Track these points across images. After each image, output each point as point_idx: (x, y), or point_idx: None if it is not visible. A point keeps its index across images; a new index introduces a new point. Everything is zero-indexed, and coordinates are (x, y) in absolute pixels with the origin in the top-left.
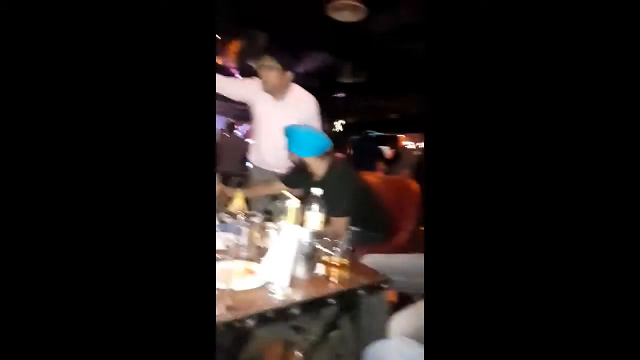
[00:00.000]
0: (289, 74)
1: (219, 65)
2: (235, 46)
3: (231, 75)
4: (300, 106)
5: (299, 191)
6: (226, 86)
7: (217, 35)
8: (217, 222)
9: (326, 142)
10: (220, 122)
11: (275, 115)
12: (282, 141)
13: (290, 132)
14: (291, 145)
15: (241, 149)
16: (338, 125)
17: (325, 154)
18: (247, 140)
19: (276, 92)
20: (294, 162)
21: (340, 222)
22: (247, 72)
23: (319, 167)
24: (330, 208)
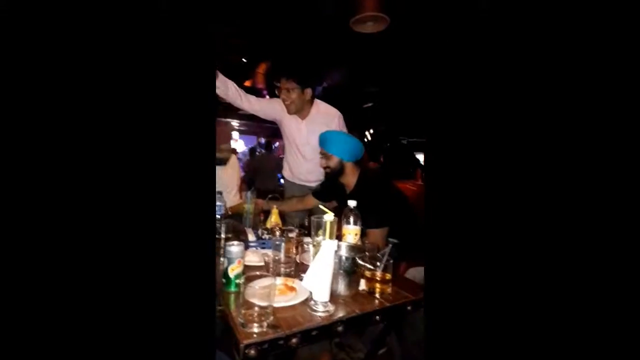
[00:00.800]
0: (309, 91)
1: (247, 86)
2: (262, 68)
3: (261, 95)
4: (325, 121)
5: (332, 204)
6: (255, 105)
7: (243, 59)
8: (255, 239)
9: (361, 147)
10: (255, 141)
11: (302, 132)
12: (310, 156)
13: (327, 135)
14: (330, 147)
15: (277, 165)
16: (368, 135)
17: (358, 162)
18: (280, 156)
19: (300, 111)
20: (327, 168)
21: (377, 234)
22: (275, 92)
23: (353, 175)
24: (365, 219)
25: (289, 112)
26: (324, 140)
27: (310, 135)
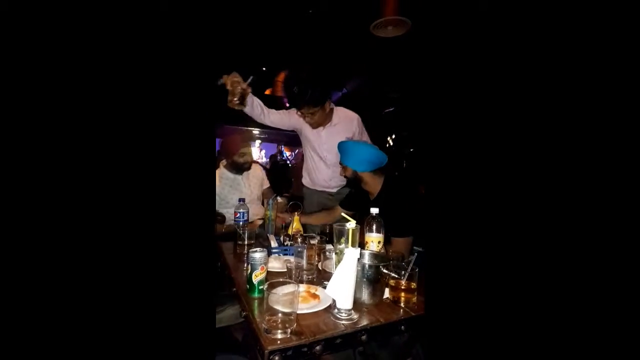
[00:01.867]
0: (328, 103)
1: (267, 95)
2: (282, 77)
3: (282, 104)
4: (344, 125)
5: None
6: (275, 118)
7: (263, 68)
8: (277, 245)
9: (381, 156)
10: (275, 149)
11: (323, 139)
12: (331, 162)
13: (344, 147)
14: (345, 159)
15: None
16: (390, 141)
17: (381, 170)
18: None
19: (322, 123)
20: (347, 177)
21: (400, 243)
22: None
23: (375, 183)
24: (390, 228)
25: (314, 128)
26: (339, 150)
27: (331, 142)
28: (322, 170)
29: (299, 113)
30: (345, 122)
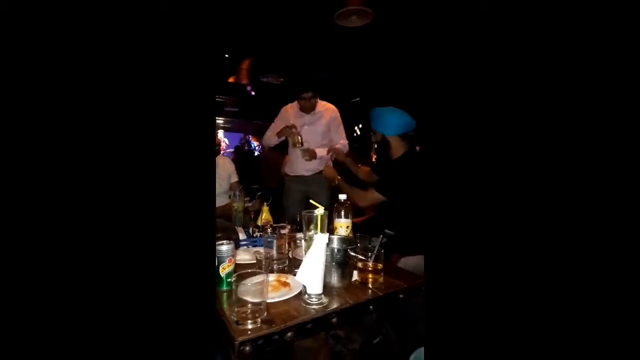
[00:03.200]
0: (317, 92)
1: (231, 83)
2: (245, 64)
3: (246, 93)
4: (327, 115)
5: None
6: (274, 130)
7: (226, 55)
8: (246, 237)
9: (405, 120)
10: (239, 139)
11: (307, 127)
12: (312, 146)
13: (377, 113)
14: (376, 124)
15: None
16: (357, 130)
17: (407, 136)
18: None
19: (309, 111)
20: (375, 143)
21: (373, 195)
22: (260, 88)
23: (399, 147)
24: (382, 184)
25: (306, 112)
26: (370, 118)
27: (312, 129)
28: (303, 160)
29: (299, 100)
30: (326, 112)
